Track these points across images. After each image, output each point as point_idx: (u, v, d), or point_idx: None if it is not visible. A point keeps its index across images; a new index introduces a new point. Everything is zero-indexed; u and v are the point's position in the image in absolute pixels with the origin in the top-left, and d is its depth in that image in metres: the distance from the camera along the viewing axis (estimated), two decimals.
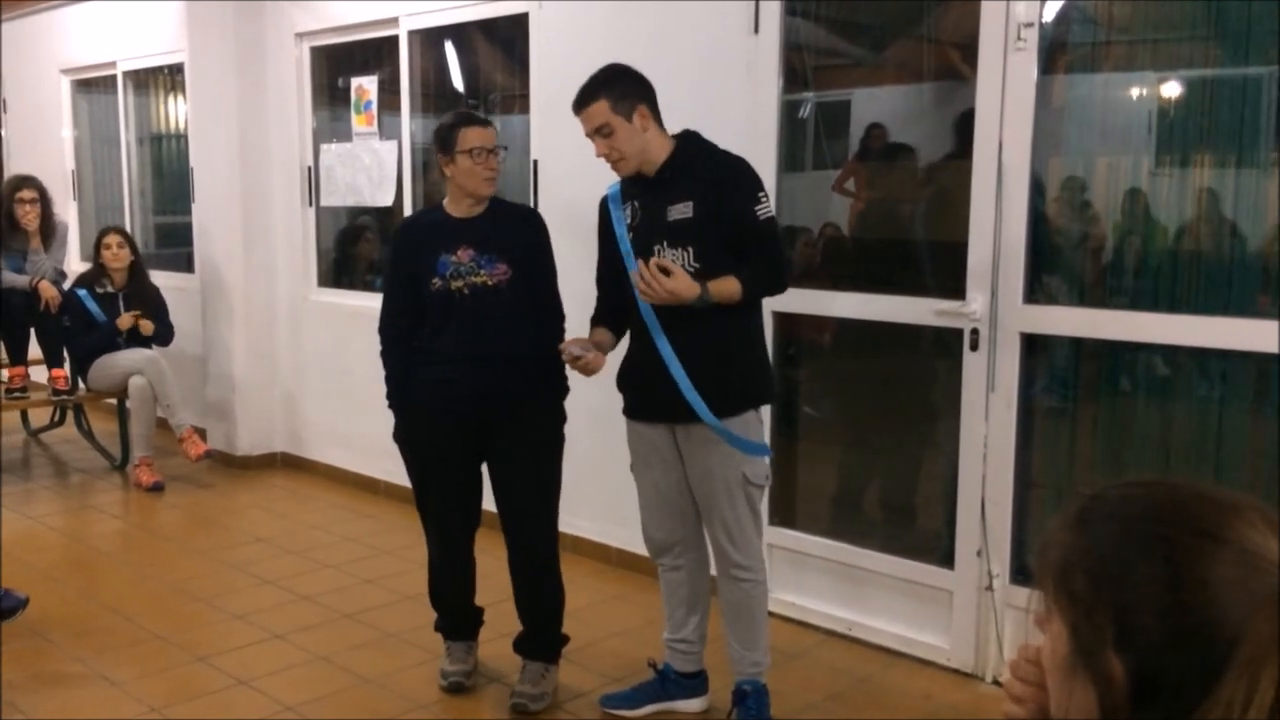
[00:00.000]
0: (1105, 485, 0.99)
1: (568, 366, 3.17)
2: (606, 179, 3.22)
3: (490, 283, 3.26)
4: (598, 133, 3.04)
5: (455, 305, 3.25)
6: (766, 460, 3.18)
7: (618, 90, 3.03)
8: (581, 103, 3.06)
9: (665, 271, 2.89)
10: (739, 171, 3.05)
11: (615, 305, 3.21)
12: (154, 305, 6.10)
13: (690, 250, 3.00)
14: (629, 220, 3.13)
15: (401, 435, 3.42)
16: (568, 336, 3.35)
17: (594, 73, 3.09)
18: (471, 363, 3.26)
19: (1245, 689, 0.86)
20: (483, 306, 3.25)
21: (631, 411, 3.24)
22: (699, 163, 3.06)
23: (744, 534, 3.12)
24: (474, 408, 3.29)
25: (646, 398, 3.15)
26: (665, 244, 3.03)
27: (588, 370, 3.10)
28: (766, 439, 3.38)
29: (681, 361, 3.02)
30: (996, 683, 3.54)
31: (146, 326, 5.98)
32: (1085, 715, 0.94)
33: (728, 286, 2.95)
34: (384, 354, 3.41)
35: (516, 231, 3.35)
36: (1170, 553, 0.91)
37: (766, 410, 3.32)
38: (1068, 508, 0.99)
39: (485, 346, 3.26)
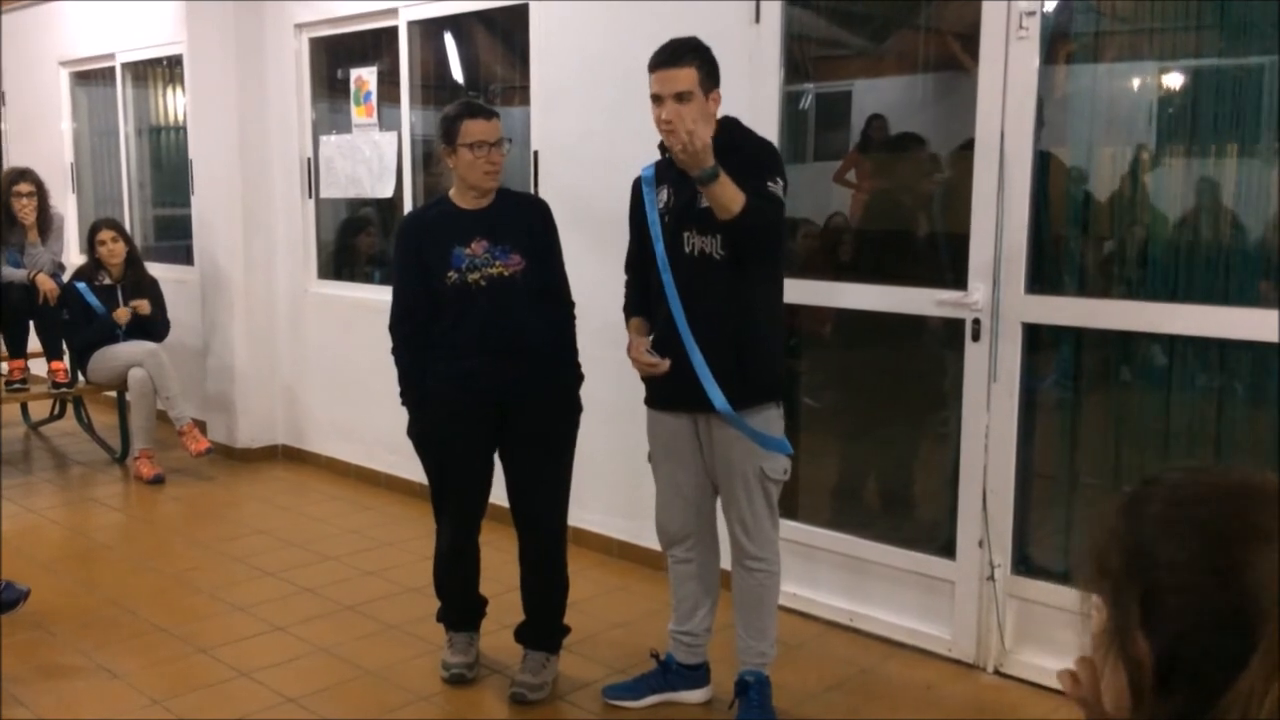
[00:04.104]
0: (1164, 469, 0.99)
1: (634, 363, 3.10)
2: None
3: (506, 273, 3.25)
4: (677, 97, 2.91)
5: (472, 298, 3.23)
6: (785, 456, 3.14)
7: (709, 65, 2.97)
8: (673, 60, 2.92)
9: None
10: (761, 154, 3.03)
11: (647, 290, 3.16)
12: (152, 297, 6.09)
13: (718, 238, 2.98)
14: (661, 204, 3.10)
15: (418, 431, 3.39)
16: (577, 326, 3.36)
17: (682, 37, 3.00)
18: (491, 355, 3.25)
19: (1264, 682, 0.85)
20: (500, 298, 3.24)
21: (654, 400, 3.22)
22: (732, 149, 3.00)
23: (759, 526, 3.12)
24: (494, 399, 3.28)
25: (670, 387, 3.10)
26: (695, 231, 3.01)
27: (654, 372, 3.05)
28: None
29: (702, 350, 2.99)
30: (998, 673, 3.55)
31: (143, 306, 5.97)
32: (1118, 695, 0.94)
33: (733, 189, 2.80)
34: (395, 351, 3.36)
35: (526, 221, 3.34)
36: (1205, 539, 0.90)
37: None
38: (1126, 492, 0.99)
39: (504, 338, 3.24)
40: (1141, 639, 0.91)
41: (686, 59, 2.93)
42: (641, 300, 3.19)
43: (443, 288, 3.24)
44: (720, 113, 3.13)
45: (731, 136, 3.05)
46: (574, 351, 3.39)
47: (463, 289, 3.23)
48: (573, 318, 3.40)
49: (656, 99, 2.95)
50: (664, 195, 3.10)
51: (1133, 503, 0.97)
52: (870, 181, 4.22)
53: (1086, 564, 0.98)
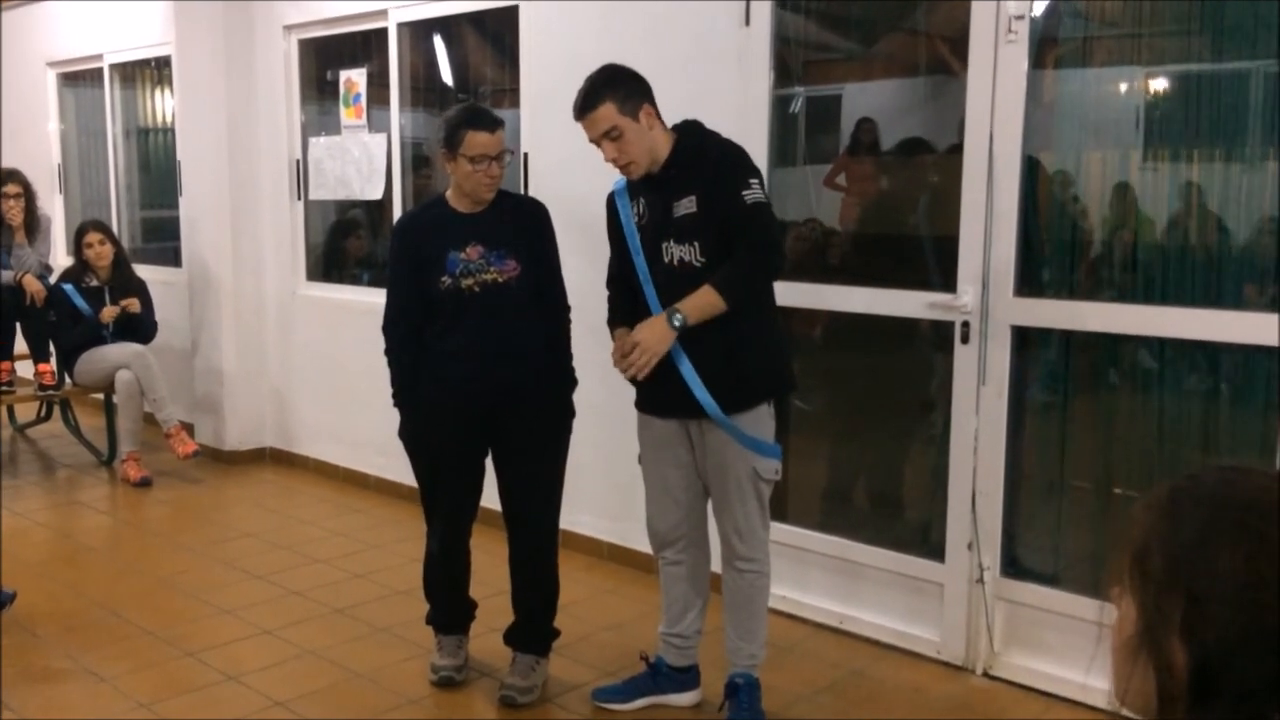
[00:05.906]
0: (1205, 467, 0.94)
1: (618, 366, 3.06)
2: (597, 172, 3.21)
3: (501, 279, 3.23)
4: (606, 136, 2.96)
5: (466, 303, 3.21)
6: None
7: (622, 91, 2.96)
8: (586, 107, 2.97)
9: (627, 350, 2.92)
10: (732, 158, 3.01)
11: (630, 303, 3.15)
12: (139, 298, 6.06)
13: (697, 245, 2.98)
14: (637, 218, 3.09)
15: (410, 433, 3.38)
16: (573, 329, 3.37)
17: (591, 76, 3.02)
18: (485, 360, 3.23)
19: None
20: (494, 303, 3.22)
21: (643, 405, 3.21)
22: (700, 155, 3.02)
23: (751, 528, 3.12)
24: (486, 403, 3.27)
25: (659, 392, 3.09)
26: (673, 241, 3.00)
27: (637, 371, 2.99)
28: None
29: (691, 358, 2.98)
30: (987, 675, 3.55)
31: (133, 305, 5.95)
32: (1143, 700, 0.90)
33: (703, 300, 2.90)
34: (389, 353, 3.35)
35: (523, 225, 3.32)
36: (1257, 548, 0.85)
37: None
38: (1161, 486, 0.94)
39: (498, 343, 3.23)
40: (1178, 646, 0.86)
41: (596, 99, 2.96)
42: (627, 311, 3.16)
43: (436, 292, 3.22)
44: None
45: (694, 141, 3.05)
46: (568, 356, 3.39)
47: (455, 294, 3.21)
48: (568, 322, 3.40)
49: (595, 143, 3.02)
50: (638, 208, 3.10)
51: (1174, 499, 0.91)
52: (860, 185, 4.22)
53: (1121, 561, 0.93)
